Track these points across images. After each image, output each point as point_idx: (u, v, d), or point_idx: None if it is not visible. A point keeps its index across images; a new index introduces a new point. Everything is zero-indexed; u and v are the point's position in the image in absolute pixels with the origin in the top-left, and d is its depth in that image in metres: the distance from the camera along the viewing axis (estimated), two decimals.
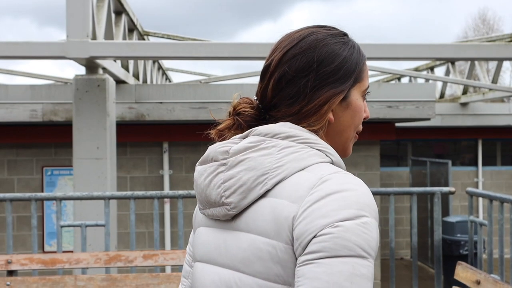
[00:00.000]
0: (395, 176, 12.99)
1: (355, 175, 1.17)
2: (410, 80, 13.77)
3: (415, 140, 13.42)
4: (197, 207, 1.38)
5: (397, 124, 9.73)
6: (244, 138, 1.24)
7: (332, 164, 1.21)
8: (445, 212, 10.44)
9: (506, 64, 12.33)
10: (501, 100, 15.70)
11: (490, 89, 10.86)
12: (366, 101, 1.34)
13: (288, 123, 1.22)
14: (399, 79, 14.21)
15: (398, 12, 61.81)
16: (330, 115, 1.24)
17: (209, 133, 1.32)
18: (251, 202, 1.17)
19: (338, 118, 1.26)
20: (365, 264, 1.05)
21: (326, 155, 1.21)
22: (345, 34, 1.30)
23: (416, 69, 13.37)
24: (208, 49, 6.22)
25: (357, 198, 1.09)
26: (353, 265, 1.04)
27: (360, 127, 1.32)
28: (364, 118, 1.32)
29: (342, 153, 1.31)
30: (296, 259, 1.09)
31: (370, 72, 12.58)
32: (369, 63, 9.84)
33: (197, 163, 1.30)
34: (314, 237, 1.06)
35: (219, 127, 1.30)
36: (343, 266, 1.03)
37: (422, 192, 4.89)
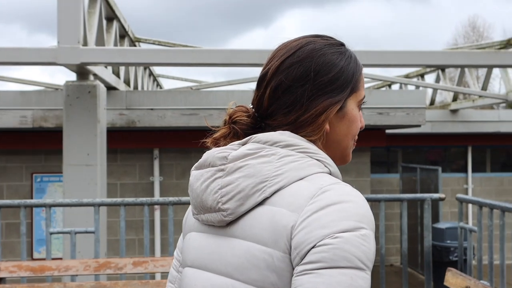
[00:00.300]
0: (385, 183, 13.02)
1: (352, 186, 1.18)
2: (400, 87, 13.82)
3: (405, 147, 13.47)
4: (187, 212, 1.37)
5: (387, 131, 9.78)
6: (243, 144, 1.23)
7: (330, 174, 1.21)
8: (435, 218, 10.46)
9: (495, 71, 12.41)
10: (490, 107, 15.80)
11: (480, 96, 10.92)
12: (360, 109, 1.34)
13: (287, 132, 1.22)
14: (389, 86, 14.26)
15: (388, 19, 62.14)
16: (327, 126, 1.24)
17: (205, 141, 1.31)
18: (248, 209, 1.16)
19: (334, 128, 1.26)
20: (363, 276, 1.05)
21: (325, 166, 1.21)
22: (342, 44, 1.31)
23: (407, 76, 13.42)
24: (199, 56, 6.22)
25: (356, 210, 1.09)
26: (352, 277, 1.04)
27: (356, 136, 1.33)
28: (360, 128, 1.32)
29: (342, 160, 1.32)
30: (293, 268, 1.09)
31: None
32: None
33: (193, 168, 1.30)
34: (313, 247, 1.06)
35: (215, 135, 1.29)
36: (342, 277, 1.03)
37: (413, 199, 4.91)
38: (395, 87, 14.24)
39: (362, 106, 1.33)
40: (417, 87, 12.40)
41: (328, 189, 1.12)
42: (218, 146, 1.27)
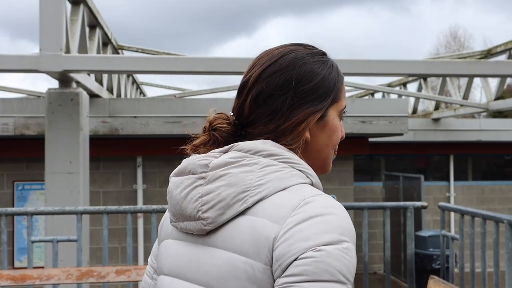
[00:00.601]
0: (368, 191, 13.07)
1: (333, 196, 1.17)
2: (383, 96, 13.93)
3: (388, 155, 13.54)
4: (164, 218, 1.36)
5: (370, 139, 9.82)
6: (224, 152, 1.21)
7: (312, 185, 1.20)
8: (418, 226, 10.51)
9: (476, 80, 12.56)
10: (471, 116, 15.94)
11: (461, 105, 11.04)
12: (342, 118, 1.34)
13: (270, 141, 1.21)
14: (372, 94, 14.36)
15: (371, 29, 62.59)
16: (307, 134, 1.23)
17: (184, 148, 1.29)
18: (229, 219, 1.14)
19: (315, 137, 1.25)
20: None
21: (307, 176, 1.20)
22: (324, 53, 1.30)
23: (389, 85, 13.53)
24: (182, 64, 6.23)
25: (339, 223, 1.08)
26: None
27: (337, 146, 1.32)
28: (341, 138, 1.31)
29: (322, 170, 1.31)
30: (274, 280, 1.07)
31: None
32: None
33: (172, 174, 1.28)
34: (295, 259, 1.04)
35: (195, 142, 1.28)
36: None
37: (395, 207, 4.94)
38: (378, 95, 14.34)
39: (344, 115, 1.33)
40: (400, 96, 12.50)
41: (311, 200, 1.11)
42: (197, 153, 1.25)
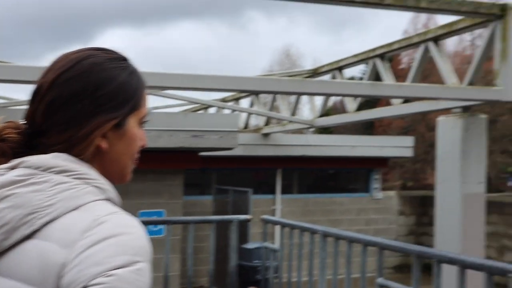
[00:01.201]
0: (199, 205, 13.18)
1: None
2: (217, 111, 14.18)
3: (220, 169, 13.78)
4: None
5: (202, 153, 9.97)
6: (11, 169, 1.12)
7: (109, 201, 1.15)
8: (245, 239, 10.82)
9: (305, 98, 13.27)
10: (300, 131, 16.75)
11: (290, 121, 11.55)
12: (146, 129, 1.30)
13: (63, 155, 1.13)
14: (206, 109, 14.57)
15: (210, 43, 63.56)
16: (104, 144, 1.18)
17: None
18: (15, 243, 1.05)
19: (112, 146, 1.19)
20: None
21: (103, 192, 1.14)
22: (125, 59, 1.25)
23: (223, 100, 13.79)
24: (7, 72, 5.90)
25: (133, 242, 1.05)
26: None
27: (137, 155, 1.28)
28: (141, 146, 1.27)
29: (120, 179, 1.26)
30: None
31: (178, 102, 12.76)
32: (177, 92, 9.96)
33: None
34: (84, 287, 0.98)
35: None
36: None
37: (221, 220, 5.08)
38: (213, 110, 14.58)
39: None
40: (233, 111, 12.81)
41: (104, 220, 1.06)
42: None
